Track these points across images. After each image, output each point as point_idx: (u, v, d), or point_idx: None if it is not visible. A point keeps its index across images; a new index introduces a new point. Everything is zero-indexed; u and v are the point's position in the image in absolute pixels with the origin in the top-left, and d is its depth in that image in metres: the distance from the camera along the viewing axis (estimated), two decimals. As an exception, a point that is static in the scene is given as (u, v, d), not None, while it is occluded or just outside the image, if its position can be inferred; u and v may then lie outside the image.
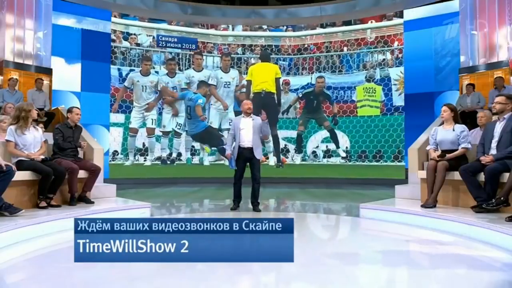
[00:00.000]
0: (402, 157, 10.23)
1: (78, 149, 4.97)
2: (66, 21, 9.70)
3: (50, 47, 9.26)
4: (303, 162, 11.20)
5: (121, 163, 10.33)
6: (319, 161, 11.13)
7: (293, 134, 11.29)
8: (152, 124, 10.71)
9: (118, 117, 10.46)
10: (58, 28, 9.48)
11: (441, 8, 9.74)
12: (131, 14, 10.78)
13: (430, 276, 2.75)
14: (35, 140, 4.47)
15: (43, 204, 4.29)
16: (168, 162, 10.81)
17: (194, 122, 10.76)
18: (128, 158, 10.50)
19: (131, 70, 10.65)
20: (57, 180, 4.36)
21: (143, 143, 10.70)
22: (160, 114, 10.79)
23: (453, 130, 4.56)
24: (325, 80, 11.16)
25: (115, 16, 10.48)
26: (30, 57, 8.93)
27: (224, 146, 5.83)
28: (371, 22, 10.88)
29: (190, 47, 11.09)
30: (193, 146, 11.01)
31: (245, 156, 5.17)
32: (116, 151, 10.37)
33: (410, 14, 10.18)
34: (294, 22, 11.44)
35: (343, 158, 10.89)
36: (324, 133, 11.11)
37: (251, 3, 11.42)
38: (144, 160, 10.65)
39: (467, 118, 6.55)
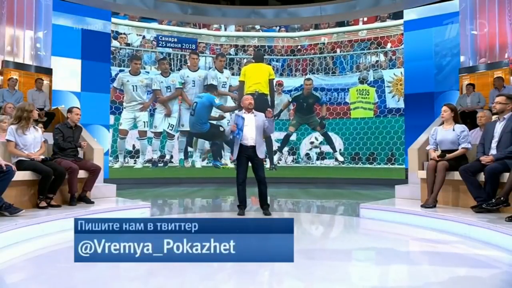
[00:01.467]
0: (395, 160, 10.22)
1: (78, 149, 4.97)
2: (66, 21, 9.69)
3: (50, 47, 9.26)
4: (297, 165, 11.15)
5: (110, 166, 10.09)
6: (313, 163, 11.08)
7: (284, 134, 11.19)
8: (144, 126, 10.59)
9: (108, 119, 10.35)
10: (58, 28, 9.48)
11: (441, 8, 9.74)
12: (131, 14, 10.76)
13: (430, 276, 2.75)
14: (35, 141, 4.47)
15: (43, 204, 4.29)
16: (161, 164, 10.69)
17: (198, 120, 10.63)
18: (118, 160, 10.39)
19: (120, 71, 10.54)
20: (57, 180, 4.36)
21: (133, 145, 10.57)
22: (151, 115, 10.68)
23: (453, 130, 4.56)
24: (313, 82, 11.08)
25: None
26: (30, 57, 8.94)
27: (225, 134, 5.45)
28: (362, 20, 10.84)
29: (190, 47, 11.08)
30: (185, 148, 10.91)
31: (247, 154, 4.82)
32: None
33: (410, 14, 10.19)
34: (294, 22, 11.43)
35: (336, 160, 10.85)
36: (317, 135, 11.06)
37: (251, 3, 11.41)
38: (134, 163, 10.54)
39: (467, 118, 6.55)
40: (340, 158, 10.80)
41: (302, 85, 11.17)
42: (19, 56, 8.76)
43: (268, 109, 5.22)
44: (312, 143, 10.98)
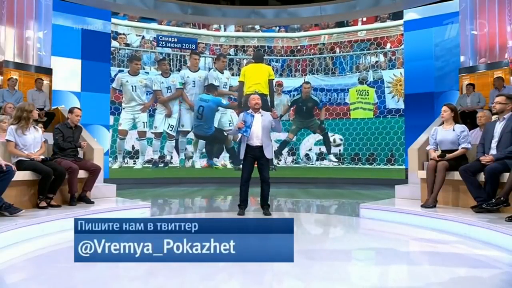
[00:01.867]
0: (395, 160, 10.21)
1: (78, 149, 4.97)
2: (66, 21, 9.68)
3: (50, 47, 9.26)
4: (296, 165, 11.12)
5: (110, 166, 10.01)
6: (312, 164, 11.07)
7: (285, 136, 11.12)
8: (144, 127, 10.57)
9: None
10: (58, 28, 9.48)
11: (441, 8, 9.74)
12: (131, 14, 10.75)
13: (430, 276, 2.75)
14: (35, 141, 4.47)
15: (43, 204, 4.29)
16: (161, 164, 10.65)
17: (204, 124, 10.63)
18: (117, 160, 10.37)
19: (119, 71, 10.51)
20: (57, 180, 4.36)
21: (133, 146, 10.53)
22: (151, 116, 10.65)
23: (453, 130, 4.56)
24: (311, 84, 11.06)
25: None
26: (30, 57, 8.93)
27: (229, 132, 5.36)
28: (362, 20, 10.82)
29: (190, 47, 11.06)
30: (185, 148, 10.89)
31: (253, 155, 4.78)
32: None
33: (410, 14, 10.18)
34: (294, 22, 11.42)
35: (335, 161, 10.84)
36: (317, 136, 11.04)
37: (251, 3, 11.41)
38: (134, 163, 10.52)
39: (467, 118, 6.55)
40: (333, 159, 10.80)
41: (301, 87, 11.16)
42: (19, 56, 8.76)
43: (273, 109, 5.22)
44: (334, 141, 10.96)
